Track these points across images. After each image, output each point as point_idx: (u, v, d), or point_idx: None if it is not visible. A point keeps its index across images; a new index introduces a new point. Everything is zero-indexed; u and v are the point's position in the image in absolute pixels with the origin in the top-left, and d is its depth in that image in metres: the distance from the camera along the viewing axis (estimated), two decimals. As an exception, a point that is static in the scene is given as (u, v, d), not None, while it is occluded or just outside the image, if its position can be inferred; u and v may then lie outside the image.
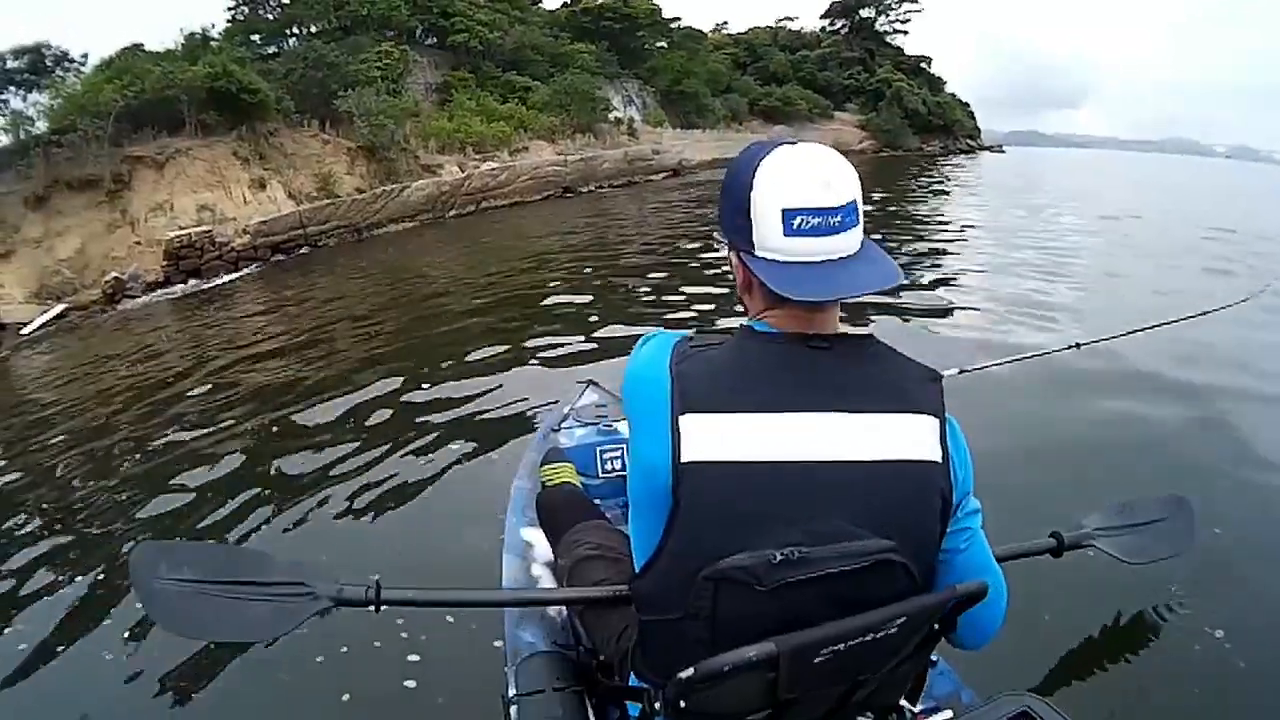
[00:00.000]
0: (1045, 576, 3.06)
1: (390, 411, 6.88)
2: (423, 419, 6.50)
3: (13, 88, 27.03)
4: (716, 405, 1.39)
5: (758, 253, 1.43)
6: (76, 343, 17.26)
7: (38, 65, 27.50)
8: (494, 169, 34.16)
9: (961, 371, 3.73)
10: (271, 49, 36.47)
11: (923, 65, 77.35)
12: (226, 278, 23.11)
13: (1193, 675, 3.16)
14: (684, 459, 1.36)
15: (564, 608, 2.34)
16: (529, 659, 2.15)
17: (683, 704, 1.39)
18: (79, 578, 4.54)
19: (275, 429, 6.88)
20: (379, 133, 30.52)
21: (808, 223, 1.37)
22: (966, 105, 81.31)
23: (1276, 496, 4.74)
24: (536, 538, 2.74)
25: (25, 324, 19.71)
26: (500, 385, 7.23)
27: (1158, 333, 4.97)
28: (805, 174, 1.39)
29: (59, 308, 20.78)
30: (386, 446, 5.90)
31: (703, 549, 1.37)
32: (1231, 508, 4.39)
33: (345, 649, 3.33)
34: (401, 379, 7.86)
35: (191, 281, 23.07)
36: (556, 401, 4.80)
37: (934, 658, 1.88)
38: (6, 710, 3.46)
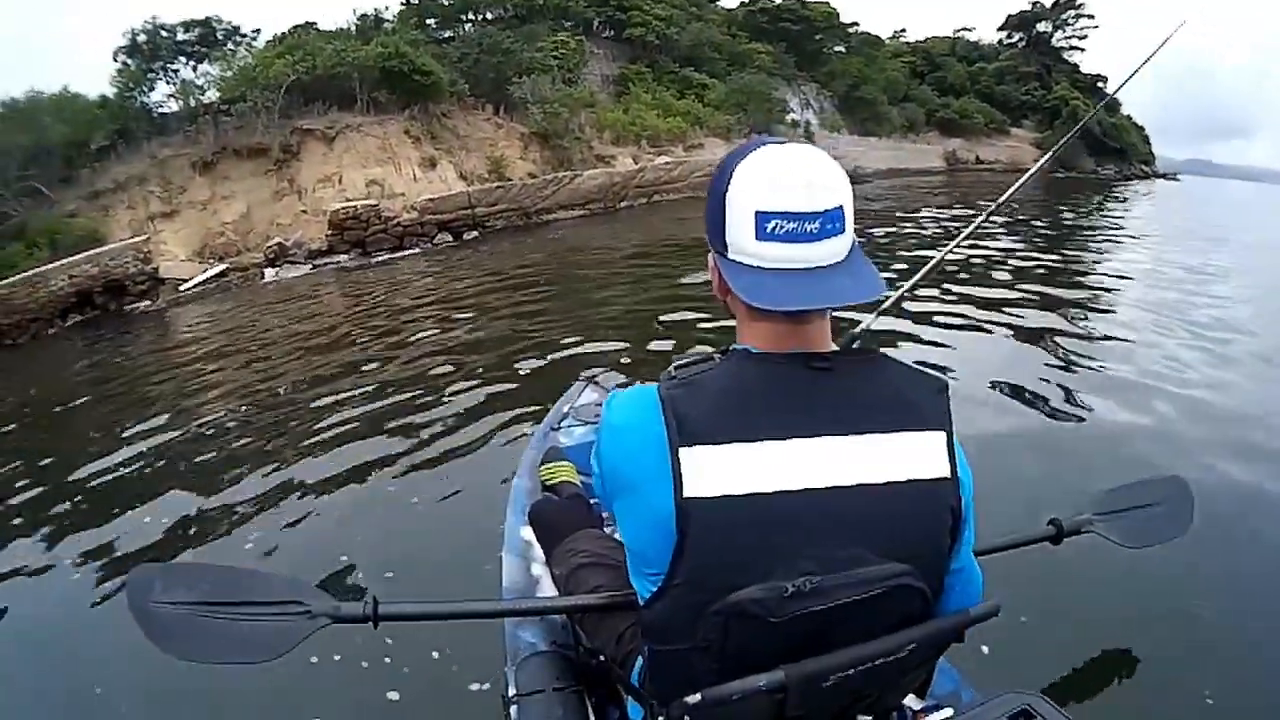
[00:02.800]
0: (1045, 568, 3.02)
1: (408, 403, 6.79)
2: (433, 415, 6.33)
3: (183, 58, 27.40)
4: (717, 436, 1.27)
5: (730, 255, 1.35)
6: (229, 303, 17.08)
7: (208, 38, 27.84)
8: (668, 163, 32.75)
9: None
10: (446, 34, 35.96)
11: (1099, 84, 72.16)
12: (392, 254, 22.33)
13: (1194, 667, 3.04)
14: (687, 494, 1.26)
15: None
16: (529, 659, 2.13)
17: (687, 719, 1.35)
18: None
19: (327, 421, 6.67)
20: (553, 120, 30.03)
21: (782, 228, 1.29)
22: (1141, 129, 75.99)
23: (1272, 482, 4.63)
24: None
25: (185, 280, 19.72)
26: (525, 385, 7.02)
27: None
28: (785, 176, 1.30)
29: (220, 267, 20.67)
30: (393, 438, 5.85)
31: (711, 584, 1.28)
32: (1230, 491, 4.37)
33: (343, 646, 3.15)
34: (452, 372, 7.76)
35: (355, 253, 22.37)
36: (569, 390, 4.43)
37: None
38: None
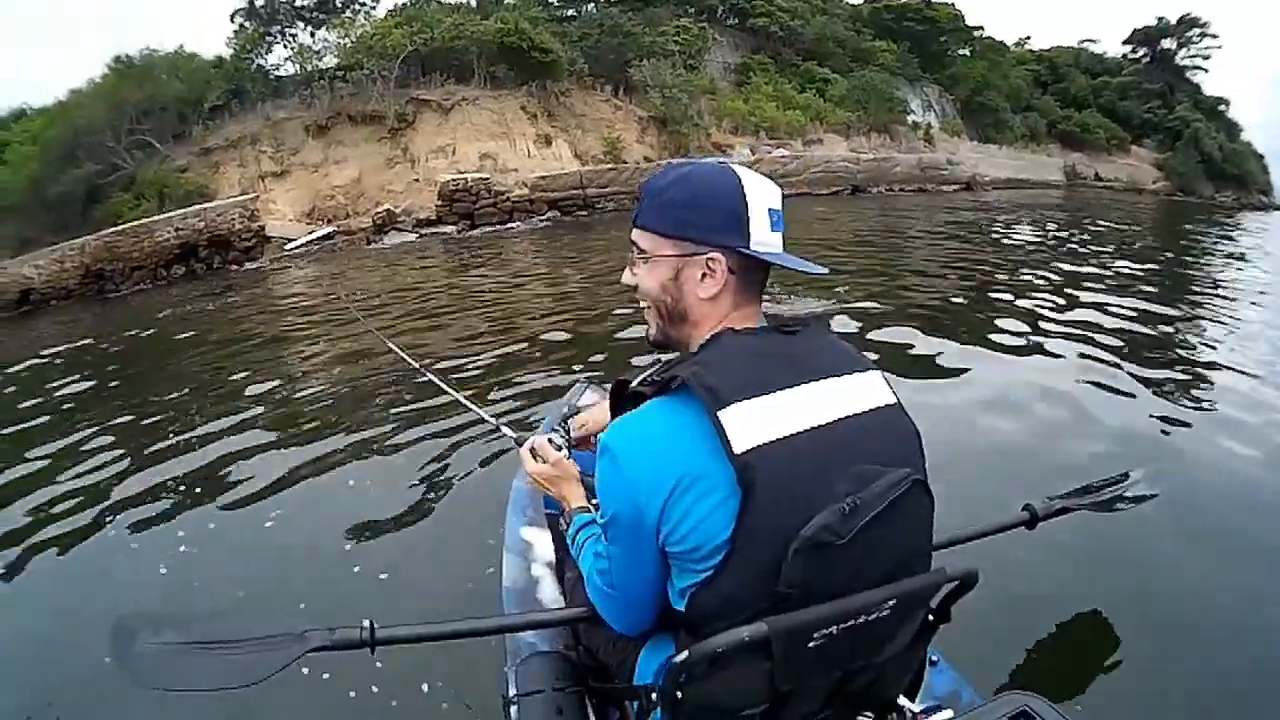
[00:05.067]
0: (1046, 568, 3.11)
1: (412, 399, 6.39)
2: (445, 413, 5.85)
3: (301, 23, 27.45)
4: (742, 394, 1.36)
5: (754, 247, 1.47)
6: (331, 266, 16.90)
7: (326, 4, 27.75)
8: (785, 156, 31.41)
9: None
10: (569, 12, 35.13)
11: (1220, 108, 69.37)
12: (498, 228, 21.63)
13: (1196, 666, 2.93)
14: (737, 450, 1.32)
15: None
16: (529, 659, 2.07)
17: (679, 694, 1.36)
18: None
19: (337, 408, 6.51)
20: (672, 105, 29.23)
21: (779, 220, 1.50)
22: (1261, 157, 72.39)
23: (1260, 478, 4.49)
24: (536, 537, 2.70)
25: (290, 240, 19.55)
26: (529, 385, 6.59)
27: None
28: (768, 183, 1.51)
29: (327, 229, 20.30)
30: (394, 437, 5.50)
31: (782, 525, 1.32)
32: (1223, 488, 4.25)
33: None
34: (464, 365, 7.33)
35: (462, 225, 21.72)
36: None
37: (934, 656, 1.82)
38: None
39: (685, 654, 1.32)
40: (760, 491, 1.31)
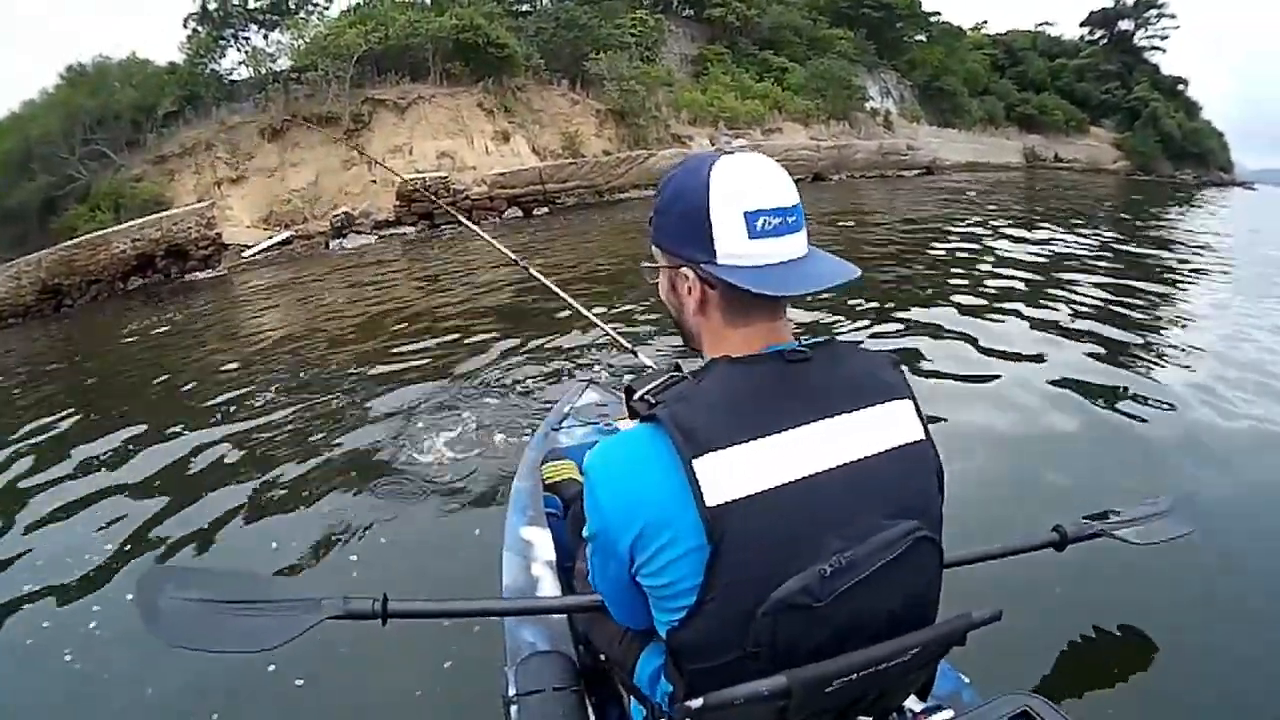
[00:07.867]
0: (1047, 571, 3.07)
1: (404, 404, 6.42)
2: (440, 415, 6.04)
3: (254, 26, 27.20)
4: (723, 440, 1.28)
5: (721, 260, 1.34)
6: (291, 271, 16.92)
7: (280, 6, 27.50)
8: (744, 146, 31.20)
9: None
10: (524, 7, 34.99)
11: (1179, 87, 69.86)
12: (458, 228, 21.13)
13: (1194, 669, 2.98)
14: (710, 503, 1.26)
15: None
16: (529, 659, 2.08)
17: None
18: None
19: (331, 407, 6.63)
20: (630, 98, 29.29)
21: (769, 224, 1.33)
22: (1220, 135, 73.27)
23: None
24: (537, 537, 2.75)
25: (249, 246, 19.52)
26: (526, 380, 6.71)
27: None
28: (758, 177, 1.34)
29: (284, 234, 20.33)
30: (392, 438, 5.60)
31: (753, 585, 1.28)
32: (1236, 511, 4.08)
33: (344, 646, 3.10)
34: (444, 365, 7.53)
35: (422, 225, 21.87)
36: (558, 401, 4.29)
37: None
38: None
39: (700, 702, 1.29)
40: (732, 549, 1.26)
